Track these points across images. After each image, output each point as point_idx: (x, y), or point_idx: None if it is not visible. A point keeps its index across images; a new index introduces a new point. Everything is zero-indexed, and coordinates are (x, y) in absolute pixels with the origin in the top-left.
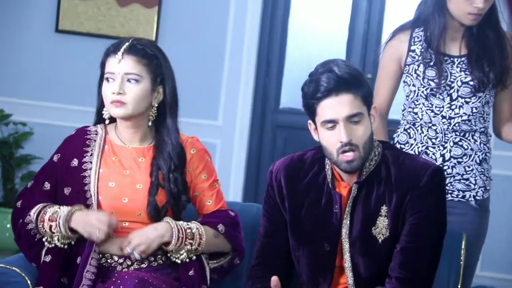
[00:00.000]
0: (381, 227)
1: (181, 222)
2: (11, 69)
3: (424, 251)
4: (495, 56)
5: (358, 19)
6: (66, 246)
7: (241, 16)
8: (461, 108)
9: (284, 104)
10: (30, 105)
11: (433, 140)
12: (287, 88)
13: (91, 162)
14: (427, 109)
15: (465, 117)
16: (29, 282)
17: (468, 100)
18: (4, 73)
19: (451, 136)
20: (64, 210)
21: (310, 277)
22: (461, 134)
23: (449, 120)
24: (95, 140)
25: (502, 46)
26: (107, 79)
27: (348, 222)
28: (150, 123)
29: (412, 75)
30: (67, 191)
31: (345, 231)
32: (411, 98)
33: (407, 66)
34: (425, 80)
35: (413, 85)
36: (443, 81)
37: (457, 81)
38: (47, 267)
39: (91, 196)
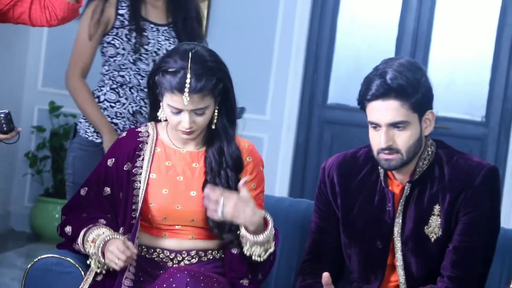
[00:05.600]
0: (434, 226)
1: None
2: (62, 61)
3: (477, 251)
4: (193, 23)
5: (408, 15)
6: (103, 272)
7: (290, 12)
8: None
9: (332, 100)
10: None
11: (146, 101)
12: (335, 83)
13: (141, 167)
14: (135, 73)
15: None
16: (82, 272)
17: None
18: (55, 65)
19: None
20: (104, 236)
21: (361, 274)
22: None
23: None
24: (147, 143)
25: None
26: (172, 111)
27: (400, 220)
28: (213, 126)
29: (122, 38)
30: (121, 195)
31: (397, 229)
32: (118, 61)
33: (115, 29)
34: (136, 45)
35: (123, 49)
36: (151, 48)
37: (163, 48)
38: None
39: (138, 202)
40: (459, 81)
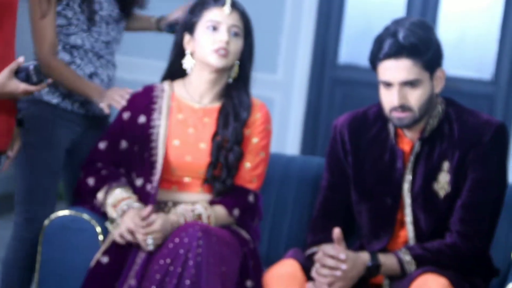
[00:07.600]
0: (443, 182)
1: (194, 210)
2: None
3: (485, 206)
4: None
5: None
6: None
7: None
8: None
9: (343, 60)
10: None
11: (101, 62)
12: (346, 43)
13: (159, 119)
14: (88, 36)
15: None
16: (97, 229)
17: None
18: None
19: (111, 58)
20: (123, 205)
21: (371, 230)
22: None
23: (107, 44)
24: (161, 97)
25: None
26: (209, 27)
27: (410, 177)
28: (231, 80)
29: (74, 8)
30: (136, 148)
31: (407, 186)
32: (72, 30)
33: None
34: (90, 15)
35: (77, 19)
36: (104, 13)
37: (115, 11)
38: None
39: (156, 155)
40: (468, 40)
